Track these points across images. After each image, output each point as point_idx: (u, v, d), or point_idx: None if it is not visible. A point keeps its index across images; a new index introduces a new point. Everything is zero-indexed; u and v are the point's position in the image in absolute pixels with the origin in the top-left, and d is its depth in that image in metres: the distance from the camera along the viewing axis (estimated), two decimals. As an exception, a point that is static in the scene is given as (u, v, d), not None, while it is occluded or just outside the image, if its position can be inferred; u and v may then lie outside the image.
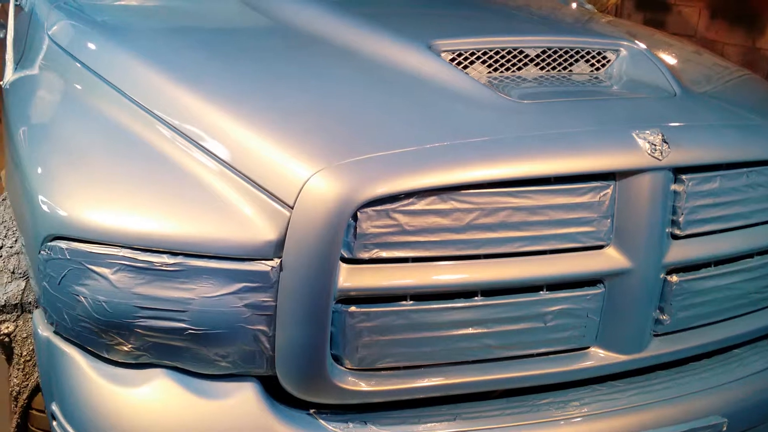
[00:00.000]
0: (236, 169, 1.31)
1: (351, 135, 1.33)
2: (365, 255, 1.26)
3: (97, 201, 1.31)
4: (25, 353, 1.54)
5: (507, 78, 1.64)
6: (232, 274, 1.25)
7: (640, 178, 1.38)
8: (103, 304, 1.27)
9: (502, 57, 1.69)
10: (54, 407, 1.38)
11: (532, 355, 1.41)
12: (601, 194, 1.37)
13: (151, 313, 1.27)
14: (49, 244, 1.32)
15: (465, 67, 1.63)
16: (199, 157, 1.35)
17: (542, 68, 1.72)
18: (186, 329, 1.27)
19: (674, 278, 1.47)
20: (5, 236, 1.70)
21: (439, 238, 1.29)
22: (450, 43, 1.64)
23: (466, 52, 1.64)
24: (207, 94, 1.45)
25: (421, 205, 1.27)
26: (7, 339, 1.55)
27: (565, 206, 1.35)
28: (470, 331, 1.34)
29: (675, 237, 1.46)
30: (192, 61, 1.59)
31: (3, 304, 1.53)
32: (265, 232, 1.25)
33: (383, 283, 1.27)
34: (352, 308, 1.27)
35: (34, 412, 1.54)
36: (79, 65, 1.69)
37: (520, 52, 1.70)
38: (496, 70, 1.67)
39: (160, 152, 1.39)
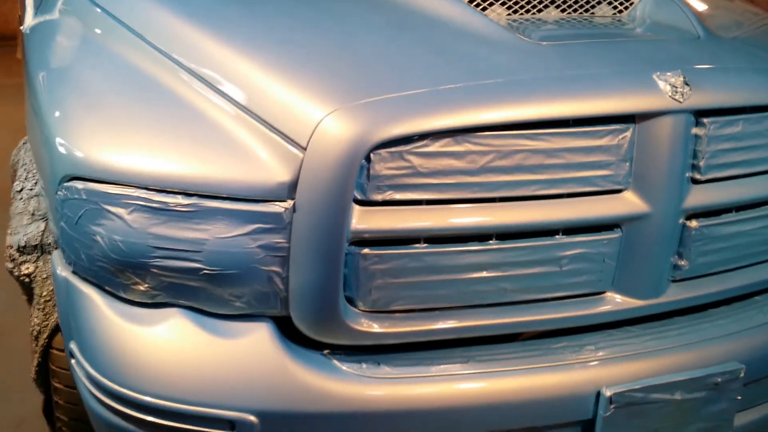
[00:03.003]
0: (251, 111, 1.31)
1: (366, 77, 1.32)
2: (379, 197, 1.26)
3: (113, 142, 1.32)
4: (45, 294, 1.56)
5: (527, 20, 1.60)
6: (245, 215, 1.25)
7: (660, 120, 1.35)
8: (119, 243, 1.28)
9: (523, -2, 1.66)
10: (72, 345, 1.40)
11: (547, 299, 1.41)
12: (620, 137, 1.34)
13: (166, 253, 1.27)
14: (65, 184, 1.33)
15: (484, 9, 1.60)
16: (214, 100, 1.35)
17: (563, 11, 1.68)
18: (200, 269, 1.27)
19: (694, 223, 1.45)
20: (26, 179, 1.71)
21: (453, 180, 1.27)
22: (469, -16, 1.60)
23: (485, -6, 1.61)
24: (223, 37, 1.44)
25: (435, 146, 1.25)
26: (27, 279, 1.57)
27: (582, 149, 1.33)
28: (485, 274, 1.33)
29: (695, 181, 1.43)
30: (209, 4, 1.57)
31: (23, 245, 1.55)
32: (278, 173, 1.25)
33: (397, 225, 1.27)
34: (366, 250, 1.27)
35: (54, 351, 1.56)
36: (98, 9, 1.68)
37: (542, -7, 1.66)
38: (515, 12, 1.64)
39: (176, 95, 1.38)
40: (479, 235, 1.32)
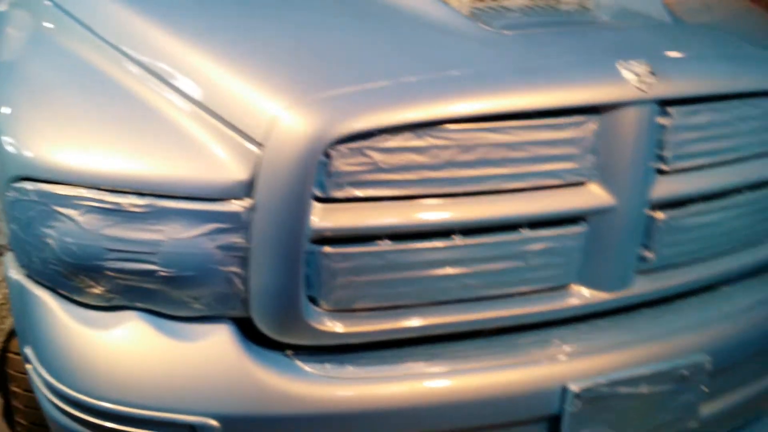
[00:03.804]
0: (205, 107, 1.27)
1: (323, 69, 1.28)
2: (339, 194, 1.23)
3: (64, 141, 1.27)
4: (-1, 297, 1.52)
5: (491, 8, 1.57)
6: (202, 215, 1.22)
7: (624, 111, 1.33)
8: (72, 246, 1.24)
9: (487, -13, 1.63)
10: (28, 350, 1.36)
11: (512, 294, 1.38)
12: (584, 129, 1.32)
13: (121, 255, 1.24)
14: (15, 185, 1.28)
15: (447, -4, 1.57)
16: (168, 95, 1.31)
17: (527, -2, 1.65)
18: (157, 271, 1.24)
19: (660, 215, 1.43)
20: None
21: (415, 176, 1.25)
22: (431, -29, 1.57)
23: (448, -18, 1.57)
24: (175, 29, 1.39)
25: (396, 141, 1.22)
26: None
27: (546, 142, 1.30)
28: (449, 270, 1.31)
29: (661, 172, 1.42)
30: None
31: (-26, 246, 1.50)
32: (235, 171, 1.21)
33: (358, 222, 1.24)
34: (327, 249, 1.24)
35: (11, 355, 1.52)
36: (48, 2, 1.62)
37: (506, -19, 1.63)
38: (480, 0, 1.61)
39: (129, 90, 1.34)
40: (443, 231, 1.29)
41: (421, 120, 1.22)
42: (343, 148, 1.20)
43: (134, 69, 1.37)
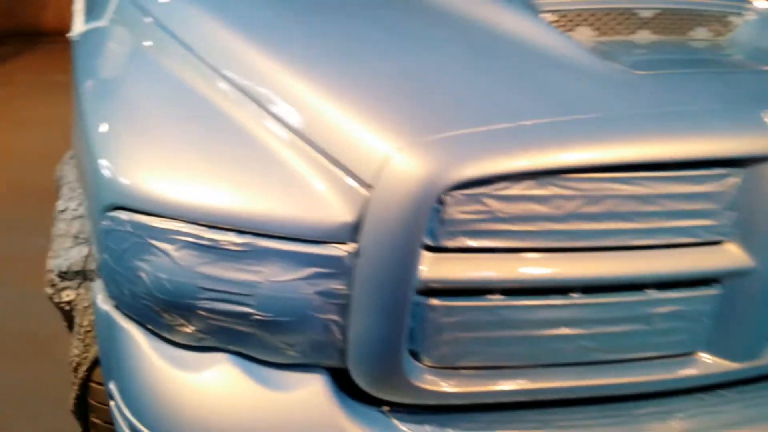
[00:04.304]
0: (311, 141, 1.19)
1: (439, 106, 1.18)
2: (451, 243, 1.13)
3: (162, 170, 1.21)
4: (85, 323, 1.47)
5: (617, 43, 1.45)
6: (302, 257, 1.13)
7: (771, 164, 1.19)
8: (165, 282, 1.18)
9: (612, 19, 1.51)
10: (112, 386, 1.30)
11: (632, 360, 1.26)
12: (724, 183, 1.19)
13: (215, 295, 1.16)
14: (110, 214, 1.23)
15: (569, 29, 1.46)
16: (270, 126, 1.23)
17: (656, 32, 1.53)
18: (251, 314, 1.16)
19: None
20: (69, 198, 1.62)
21: (534, 227, 1.14)
22: (553, 3, 1.46)
23: (570, 13, 1.46)
24: (281, 55, 1.32)
25: (516, 189, 1.12)
26: (68, 307, 1.48)
27: (681, 196, 1.17)
28: (565, 331, 1.19)
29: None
30: (267, 20, 1.46)
31: (65, 270, 1.46)
32: (340, 212, 1.13)
33: (470, 274, 1.14)
34: (434, 301, 1.14)
35: (93, 385, 1.47)
36: (149, 20, 1.58)
37: (633, 14, 1.51)
38: (604, 34, 1.50)
39: (229, 117, 1.27)
40: (561, 288, 1.18)
41: (545, 167, 1.11)
42: (458, 194, 1.10)
43: (235, 94, 1.30)
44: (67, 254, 1.51)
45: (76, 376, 1.48)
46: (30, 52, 6.51)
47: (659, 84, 1.26)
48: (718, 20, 1.55)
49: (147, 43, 1.55)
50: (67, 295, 1.48)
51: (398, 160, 1.10)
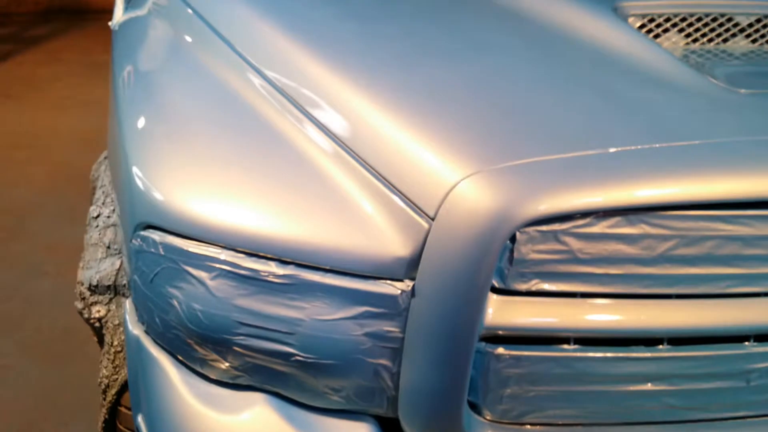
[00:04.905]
0: (365, 163, 1.05)
1: (514, 129, 1.03)
2: (521, 285, 0.98)
3: (200, 186, 1.08)
4: (116, 343, 1.36)
5: (709, 52, 1.29)
6: (352, 294, 1.00)
7: None
8: (198, 313, 1.06)
9: (705, 25, 1.34)
10: (140, 419, 1.19)
11: (724, 419, 1.10)
12: (844, 223, 1.02)
13: (253, 331, 1.04)
14: (141, 233, 1.11)
15: (657, 36, 1.30)
16: (321, 142, 1.10)
17: (754, 41, 1.35)
18: (292, 354, 1.03)
19: None
20: (103, 203, 1.51)
21: (620, 270, 0.99)
22: (640, 5, 1.30)
23: (659, 17, 1.30)
24: (335, 61, 1.18)
25: (600, 227, 0.97)
26: (98, 324, 1.37)
27: (793, 238, 1.01)
28: (649, 386, 1.04)
29: None
30: (319, 18, 1.32)
31: (95, 284, 1.35)
32: (395, 245, 0.99)
33: (542, 321, 0.99)
34: (500, 350, 1.00)
35: (123, 409, 1.37)
36: (190, 11, 1.45)
37: (729, 20, 1.34)
38: (695, 41, 1.33)
39: (277, 131, 1.14)
40: (646, 339, 1.03)
41: (635, 203, 0.96)
42: (532, 230, 0.96)
43: (283, 103, 1.17)
44: (98, 266, 1.40)
45: (104, 399, 1.37)
46: (77, 30, 6.49)
47: (766, 103, 1.10)
48: (826, 26, 1.37)
49: (188, 39, 1.42)
50: (98, 311, 1.38)
51: (464, 189, 0.95)
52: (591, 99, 1.09)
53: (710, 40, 1.34)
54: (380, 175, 1.04)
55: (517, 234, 0.95)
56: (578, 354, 1.02)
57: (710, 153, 1.00)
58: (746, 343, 1.05)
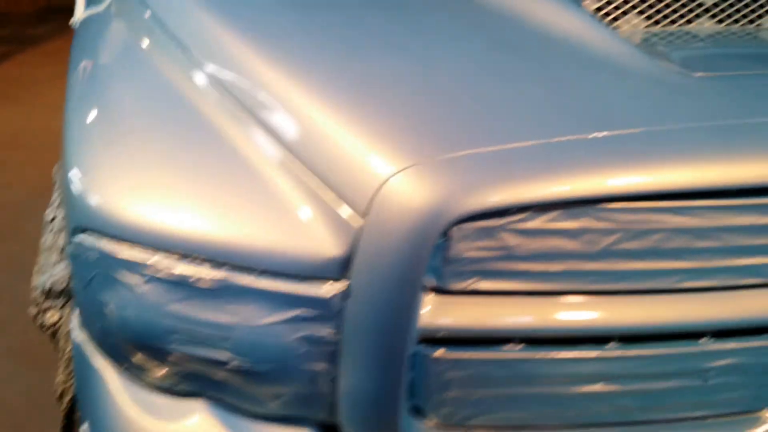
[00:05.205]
0: (301, 158, 1.01)
1: (451, 120, 0.98)
2: (460, 285, 0.94)
3: (134, 189, 1.04)
4: (68, 349, 1.33)
5: (671, 35, 1.23)
6: (284, 297, 0.96)
7: None
8: (131, 320, 1.02)
9: (667, 6, 1.28)
10: (86, 428, 1.16)
11: (681, 420, 1.05)
12: (803, 212, 0.97)
13: (187, 338, 1.00)
14: (77, 236, 1.08)
15: (615, 18, 1.25)
16: (259, 141, 1.05)
17: (720, 21, 1.30)
18: (227, 361, 1.00)
19: None
20: (58, 206, 1.48)
21: (562, 267, 0.94)
22: (598, -14, 1.25)
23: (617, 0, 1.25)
24: (275, 56, 1.13)
25: (540, 221, 0.92)
26: (51, 329, 1.34)
27: (747, 228, 0.96)
28: (599, 387, 1.00)
29: None
30: (269, 15, 1.27)
31: (48, 289, 1.32)
32: (327, 245, 0.95)
33: (483, 321, 0.95)
34: (440, 352, 0.96)
35: (79, 416, 1.34)
36: (148, 12, 1.42)
37: (692, 0, 1.29)
38: (657, 23, 1.27)
39: (217, 132, 1.09)
40: (595, 338, 0.98)
41: (576, 195, 0.91)
42: (468, 227, 0.91)
43: (226, 101, 1.13)
44: (52, 270, 1.37)
45: (61, 405, 1.35)
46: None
47: (723, 89, 1.04)
48: (798, 4, 1.31)
49: (142, 38, 1.38)
50: (51, 317, 1.35)
51: (395, 184, 0.91)
52: (534, 87, 1.04)
53: (673, 22, 1.28)
54: (316, 172, 0.99)
55: (452, 231, 0.91)
56: (523, 355, 0.97)
57: (654, 141, 0.95)
58: (702, 340, 1.00)
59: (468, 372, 0.97)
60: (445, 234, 0.91)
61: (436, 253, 0.92)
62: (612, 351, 0.98)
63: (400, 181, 0.91)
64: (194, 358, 1.01)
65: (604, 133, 0.94)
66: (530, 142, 0.93)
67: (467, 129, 0.96)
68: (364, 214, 0.93)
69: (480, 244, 0.92)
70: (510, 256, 0.93)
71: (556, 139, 0.93)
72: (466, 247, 0.92)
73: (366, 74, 1.08)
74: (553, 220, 0.92)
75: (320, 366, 0.98)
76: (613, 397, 1.00)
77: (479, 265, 0.93)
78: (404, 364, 0.95)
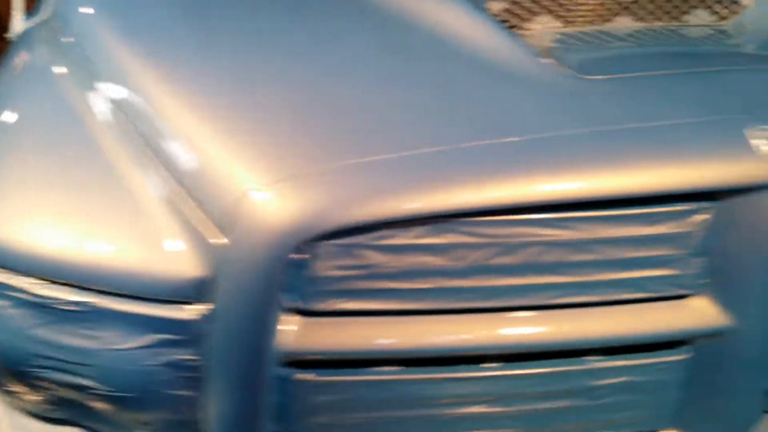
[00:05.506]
0: (174, 176, 0.96)
1: (315, 132, 0.93)
2: (322, 306, 0.90)
3: (1, 211, 1.01)
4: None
5: (582, 36, 1.18)
6: (146, 321, 0.92)
7: (758, 197, 0.92)
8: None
9: (582, 5, 1.23)
10: (-30, 454, 1.13)
11: (574, 441, 1.01)
12: (688, 222, 0.92)
13: (51, 363, 0.96)
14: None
15: (525, 20, 1.19)
16: (136, 160, 1.00)
17: (639, 18, 1.24)
18: (92, 388, 0.96)
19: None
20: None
21: (429, 284, 0.89)
22: (502, -15, 1.20)
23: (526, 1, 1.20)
24: (160, 74, 1.07)
25: (406, 237, 0.87)
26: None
27: (630, 240, 0.91)
28: (477, 409, 0.95)
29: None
30: (162, 27, 1.21)
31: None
32: (189, 266, 0.91)
33: (349, 343, 0.91)
34: (304, 375, 0.92)
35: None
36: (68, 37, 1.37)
37: (610, -3, 1.24)
38: (570, 23, 1.22)
39: (94, 151, 1.04)
40: (470, 358, 0.94)
41: (440, 209, 0.86)
42: (328, 245, 0.87)
43: (108, 118, 1.08)
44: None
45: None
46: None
47: (613, 92, 0.99)
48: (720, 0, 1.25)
49: (55, 60, 1.33)
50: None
51: (252, 202, 0.87)
52: (413, 94, 0.99)
53: (589, 22, 1.23)
54: (187, 190, 0.95)
55: (313, 249, 0.86)
56: (397, 377, 0.93)
57: (528, 150, 0.90)
58: (588, 357, 0.95)
59: (339, 396, 0.93)
60: (304, 252, 0.86)
61: (297, 272, 0.87)
62: (491, 371, 0.94)
63: (256, 200, 0.87)
64: (60, 384, 0.97)
65: (474, 143, 0.90)
66: (390, 155, 0.89)
67: (330, 140, 0.92)
68: (227, 234, 0.89)
69: (342, 262, 0.88)
70: (375, 274, 0.88)
71: (417, 151, 0.89)
72: (327, 266, 0.88)
73: (243, 87, 1.03)
74: (419, 236, 0.88)
75: (186, 392, 0.94)
76: (494, 420, 0.96)
77: (343, 285, 0.89)
78: (267, 389, 0.91)
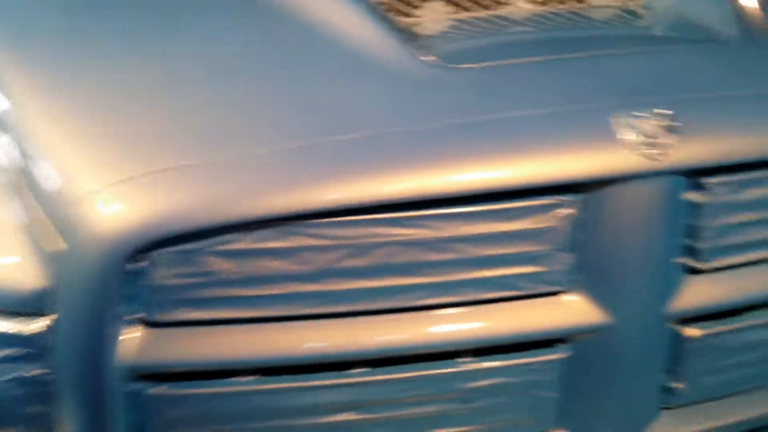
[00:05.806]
0: (28, 183, 0.92)
1: (161, 133, 0.89)
2: (168, 316, 0.85)
3: None
4: None
5: (479, 21, 1.14)
6: (-9, 335, 0.89)
7: (626, 188, 0.87)
8: None
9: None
10: None
11: (450, 447, 0.97)
12: (553, 216, 0.88)
13: None
14: None
15: (415, 7, 1.15)
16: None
17: (542, 2, 1.20)
18: (-57, 406, 0.93)
19: (694, 331, 0.97)
20: None
21: (276, 290, 0.85)
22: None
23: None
24: (23, 77, 1.03)
25: (248, 242, 0.83)
26: None
27: (487, 237, 0.87)
28: (344, 417, 0.91)
29: (694, 271, 0.95)
30: (34, 28, 1.17)
31: None
32: (33, 276, 0.87)
33: (199, 354, 0.87)
34: (156, 389, 0.88)
35: None
36: None
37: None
38: (465, 9, 1.18)
39: None
40: (333, 364, 0.90)
41: (282, 211, 0.82)
42: (166, 252, 0.82)
43: None
44: None
45: None
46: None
47: (476, 82, 0.95)
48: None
49: None
50: None
51: (87, 206, 0.83)
52: (267, 92, 0.95)
53: (483, 8, 1.19)
54: (38, 198, 0.91)
55: (151, 256, 0.82)
56: (254, 387, 0.89)
57: (376, 146, 0.86)
58: (459, 359, 0.91)
59: (196, 409, 0.89)
60: (142, 260, 0.82)
61: (136, 281, 0.83)
62: (357, 377, 0.90)
63: (92, 205, 0.83)
64: None
65: (315, 140, 0.85)
66: (231, 155, 0.85)
67: (171, 141, 0.88)
68: (67, 241, 0.85)
69: (183, 270, 0.84)
70: (219, 281, 0.84)
71: (261, 149, 0.85)
72: (167, 274, 0.84)
73: (98, 88, 0.98)
74: (262, 240, 0.83)
75: (37, 408, 0.90)
76: (361, 426, 0.91)
77: (187, 294, 0.85)
78: (120, 405, 0.87)
